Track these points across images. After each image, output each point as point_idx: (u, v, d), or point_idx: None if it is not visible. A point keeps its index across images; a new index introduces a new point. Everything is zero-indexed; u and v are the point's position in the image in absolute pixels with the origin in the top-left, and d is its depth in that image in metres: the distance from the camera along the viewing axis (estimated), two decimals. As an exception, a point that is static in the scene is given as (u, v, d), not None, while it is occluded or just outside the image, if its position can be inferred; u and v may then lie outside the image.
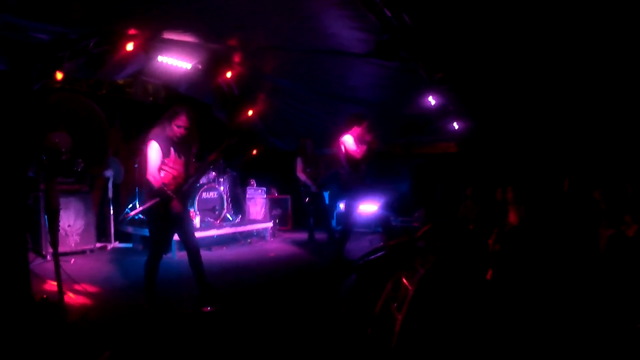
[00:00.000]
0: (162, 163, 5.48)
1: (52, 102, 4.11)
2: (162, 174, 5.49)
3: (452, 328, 4.08)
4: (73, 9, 7.04)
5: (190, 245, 5.80)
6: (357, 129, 7.95)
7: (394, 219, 11.63)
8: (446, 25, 7.73)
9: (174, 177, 5.55)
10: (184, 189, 5.61)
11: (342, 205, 12.66)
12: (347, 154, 7.89)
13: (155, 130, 5.56)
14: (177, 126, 5.53)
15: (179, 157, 5.63)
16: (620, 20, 6.95)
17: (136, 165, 9.65)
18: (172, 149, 5.55)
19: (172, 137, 5.55)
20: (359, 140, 7.91)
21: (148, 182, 5.42)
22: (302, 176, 10.91)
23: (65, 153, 3.87)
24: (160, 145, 5.46)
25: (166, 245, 5.83)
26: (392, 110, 10.95)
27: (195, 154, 6.04)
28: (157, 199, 5.35)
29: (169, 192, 5.39)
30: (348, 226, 8.30)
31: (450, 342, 3.98)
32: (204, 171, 6.11)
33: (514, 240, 6.46)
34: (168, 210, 5.40)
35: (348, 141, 7.87)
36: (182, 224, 5.71)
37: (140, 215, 8.52)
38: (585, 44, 7.63)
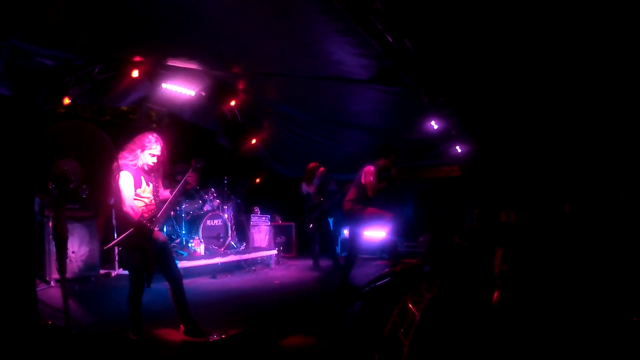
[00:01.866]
0: (135, 193, 5.26)
1: (60, 128, 4.12)
2: (135, 204, 5.26)
3: (460, 352, 4.05)
4: (79, 36, 7.10)
5: (171, 276, 5.42)
6: (383, 161, 7.94)
7: (400, 244, 11.60)
8: (448, 49, 7.78)
9: (147, 206, 5.35)
10: (158, 217, 5.38)
11: (346, 232, 12.66)
12: (365, 184, 7.86)
13: (124, 159, 5.29)
14: (152, 155, 5.37)
15: (148, 184, 5.41)
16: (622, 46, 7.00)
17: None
18: (142, 178, 5.36)
19: (143, 166, 5.38)
20: (381, 173, 7.89)
21: (126, 215, 5.14)
22: (305, 188, 10.91)
23: (73, 181, 3.87)
24: (133, 175, 5.25)
25: (149, 276, 5.53)
26: (395, 135, 10.98)
27: (168, 177, 5.83)
28: (131, 230, 5.09)
29: (148, 224, 5.19)
30: (353, 253, 8.26)
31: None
32: (178, 196, 5.84)
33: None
34: (145, 241, 5.16)
35: (370, 172, 7.85)
36: (160, 253, 5.36)
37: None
38: (587, 67, 7.67)
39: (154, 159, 5.40)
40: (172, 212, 9.99)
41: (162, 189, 5.65)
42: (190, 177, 5.68)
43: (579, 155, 9.83)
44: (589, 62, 7.47)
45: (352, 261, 8.14)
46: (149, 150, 5.37)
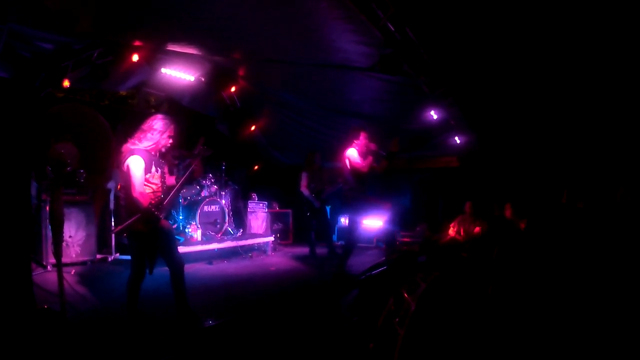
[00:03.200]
0: (145, 179, 5.15)
1: (57, 112, 4.11)
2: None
3: (454, 342, 4.06)
4: (79, 20, 7.06)
5: (173, 263, 5.29)
6: (358, 141, 7.87)
7: (397, 233, 11.60)
8: (449, 39, 7.76)
9: (154, 192, 5.26)
10: (165, 203, 5.28)
11: (343, 220, 12.67)
12: (353, 168, 7.79)
13: (137, 144, 5.24)
14: (170, 136, 5.35)
15: (157, 170, 5.31)
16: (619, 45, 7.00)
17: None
18: (152, 163, 5.26)
19: (161, 148, 5.35)
20: (363, 153, 7.83)
21: (136, 201, 5.02)
22: (305, 191, 10.90)
23: (70, 164, 3.86)
24: (144, 160, 5.14)
25: (151, 263, 5.50)
26: (394, 125, 10.98)
27: (174, 160, 5.76)
28: (138, 215, 4.99)
29: (155, 212, 5.10)
30: (352, 241, 8.22)
31: (453, 357, 3.96)
32: (184, 183, 5.75)
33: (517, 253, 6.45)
34: (151, 227, 5.10)
35: (352, 155, 7.77)
36: (163, 239, 5.27)
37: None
38: (586, 59, 7.66)
39: (171, 141, 5.38)
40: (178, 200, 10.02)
41: (168, 175, 5.58)
42: (197, 165, 5.65)
43: (578, 149, 9.84)
44: (590, 53, 7.46)
45: (350, 250, 8.10)
46: (168, 133, 5.34)
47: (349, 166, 7.83)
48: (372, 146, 7.89)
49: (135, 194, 5.03)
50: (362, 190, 7.98)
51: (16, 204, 4.12)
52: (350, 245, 8.14)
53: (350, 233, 8.45)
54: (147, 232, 5.13)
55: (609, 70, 7.80)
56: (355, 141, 7.89)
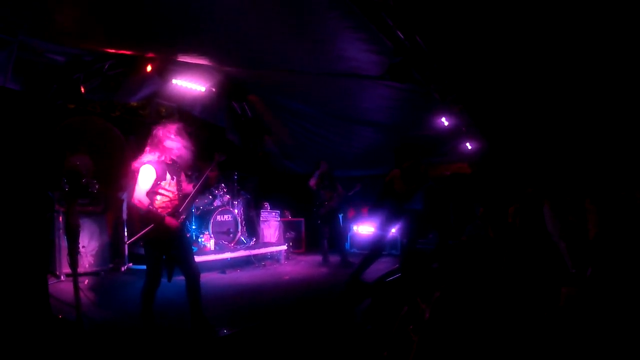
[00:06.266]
0: (159, 187, 5.22)
1: (72, 124, 4.15)
2: (159, 198, 5.24)
3: (469, 349, 4.04)
4: (89, 32, 7.12)
5: (189, 271, 5.34)
6: (408, 163, 7.77)
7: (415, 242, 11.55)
8: (459, 46, 7.75)
9: (171, 200, 5.32)
10: (180, 210, 5.33)
11: (356, 228, 12.65)
12: (397, 190, 7.68)
13: (152, 153, 5.32)
14: (185, 146, 5.39)
15: (173, 178, 5.36)
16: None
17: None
18: (167, 171, 5.31)
19: (173, 154, 5.36)
20: (409, 176, 7.72)
21: (135, 207, 5.12)
22: (313, 186, 10.89)
23: (85, 176, 3.89)
24: (156, 169, 5.21)
25: (170, 271, 5.52)
26: (405, 132, 10.96)
27: (188, 171, 5.80)
28: (152, 225, 5.03)
29: (158, 211, 5.12)
30: (376, 252, 8.10)
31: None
32: (200, 191, 5.75)
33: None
34: (165, 234, 5.15)
35: (397, 177, 7.70)
36: (180, 247, 5.34)
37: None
38: (598, 64, 7.62)
39: (185, 145, 5.40)
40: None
41: (184, 183, 5.61)
42: (212, 172, 5.66)
43: (590, 154, 9.76)
44: (602, 59, 7.43)
45: (373, 259, 7.98)
46: (181, 136, 5.38)
47: (394, 187, 7.73)
48: (422, 168, 7.80)
49: (133, 200, 5.11)
50: (400, 207, 7.89)
51: (32, 216, 4.15)
52: (374, 255, 8.02)
53: (377, 243, 8.31)
54: (166, 241, 5.18)
55: (621, 76, 7.76)
56: (406, 161, 7.79)
